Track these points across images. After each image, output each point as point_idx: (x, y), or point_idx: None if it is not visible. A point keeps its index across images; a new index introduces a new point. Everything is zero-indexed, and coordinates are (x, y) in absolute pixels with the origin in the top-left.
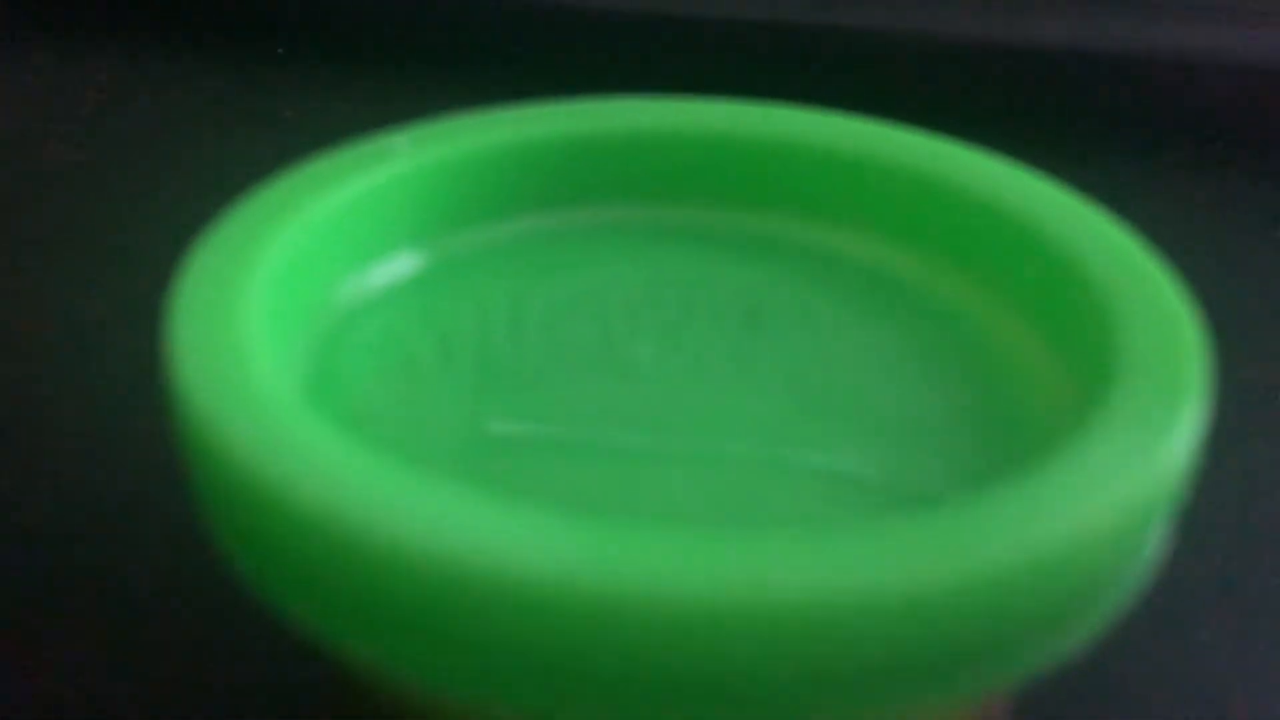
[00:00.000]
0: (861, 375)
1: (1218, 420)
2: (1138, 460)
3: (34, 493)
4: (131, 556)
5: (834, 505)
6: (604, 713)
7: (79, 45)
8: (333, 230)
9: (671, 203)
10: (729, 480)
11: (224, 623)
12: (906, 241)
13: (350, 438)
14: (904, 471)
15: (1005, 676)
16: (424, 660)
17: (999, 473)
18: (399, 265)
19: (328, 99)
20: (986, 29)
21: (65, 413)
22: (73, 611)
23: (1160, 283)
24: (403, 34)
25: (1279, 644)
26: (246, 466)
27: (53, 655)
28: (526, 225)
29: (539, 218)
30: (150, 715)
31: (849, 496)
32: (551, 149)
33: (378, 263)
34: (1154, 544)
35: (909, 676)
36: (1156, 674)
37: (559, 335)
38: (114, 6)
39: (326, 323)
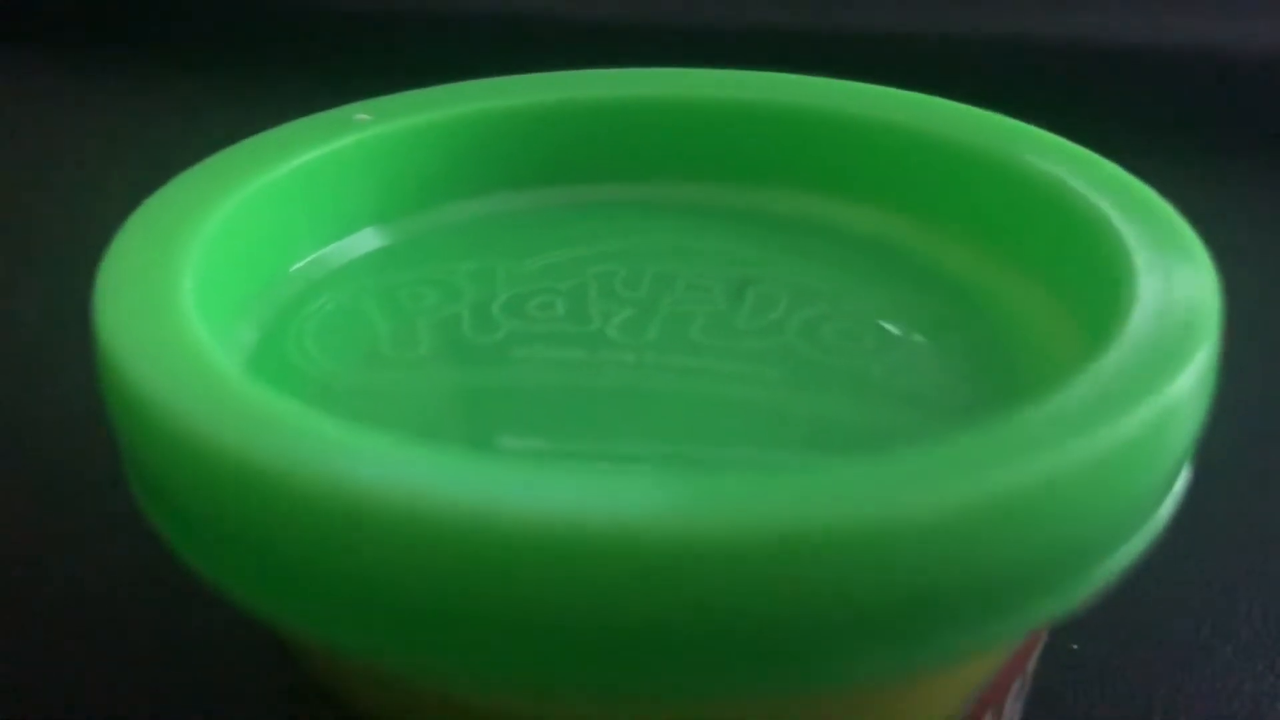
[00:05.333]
0: (855, 341)
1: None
2: (1133, 400)
3: None
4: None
5: None
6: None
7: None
8: (285, 201)
9: (649, 179)
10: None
11: (180, 620)
12: (902, 204)
13: (271, 387)
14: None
15: (984, 634)
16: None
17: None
18: (360, 242)
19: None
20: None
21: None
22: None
23: (1179, 233)
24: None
25: None
26: (152, 410)
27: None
28: (497, 204)
29: (511, 196)
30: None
31: None
32: (523, 121)
33: (338, 239)
34: (1163, 488)
35: (884, 625)
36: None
37: (527, 308)
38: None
39: (280, 297)
